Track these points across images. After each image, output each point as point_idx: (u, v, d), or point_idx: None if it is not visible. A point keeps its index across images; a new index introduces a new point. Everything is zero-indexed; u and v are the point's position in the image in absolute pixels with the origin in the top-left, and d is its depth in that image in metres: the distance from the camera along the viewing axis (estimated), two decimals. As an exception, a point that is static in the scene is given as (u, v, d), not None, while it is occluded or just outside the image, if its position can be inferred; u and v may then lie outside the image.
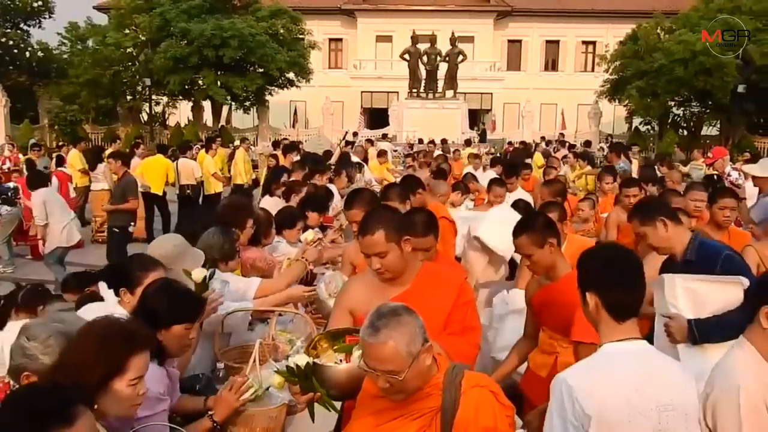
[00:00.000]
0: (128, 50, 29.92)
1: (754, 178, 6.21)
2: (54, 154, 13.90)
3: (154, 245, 3.35)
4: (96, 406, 1.87)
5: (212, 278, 3.10)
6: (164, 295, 2.47)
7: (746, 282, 2.82)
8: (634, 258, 2.17)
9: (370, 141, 17.16)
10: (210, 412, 2.44)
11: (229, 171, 14.32)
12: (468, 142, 21.00)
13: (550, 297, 3.07)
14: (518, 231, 3.12)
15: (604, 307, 2.04)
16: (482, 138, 26.57)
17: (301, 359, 2.29)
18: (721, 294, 2.85)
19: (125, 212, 8.10)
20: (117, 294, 2.85)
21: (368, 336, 1.90)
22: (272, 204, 6.10)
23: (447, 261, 3.48)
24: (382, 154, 12.97)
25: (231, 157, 15.30)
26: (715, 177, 7.33)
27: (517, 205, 5.77)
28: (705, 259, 3.05)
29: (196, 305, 2.56)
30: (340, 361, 2.33)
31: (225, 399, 2.44)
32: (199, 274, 3.04)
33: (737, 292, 2.82)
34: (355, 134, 25.78)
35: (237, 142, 20.54)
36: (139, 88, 30.70)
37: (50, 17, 32.46)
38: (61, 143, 17.21)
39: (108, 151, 13.51)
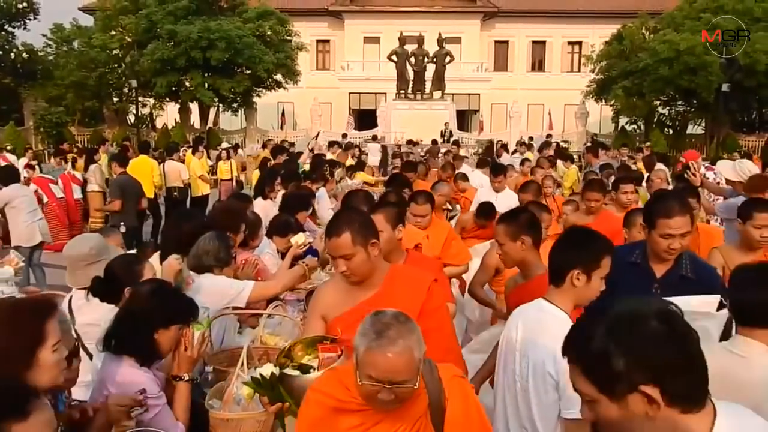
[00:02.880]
0: (114, 52, 29.78)
1: (727, 179, 6.25)
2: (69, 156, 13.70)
3: (70, 245, 3.36)
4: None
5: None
6: (161, 296, 2.52)
7: (717, 298, 2.74)
8: (578, 231, 2.63)
9: (339, 144, 16.84)
10: (177, 376, 2.52)
11: (214, 173, 14.30)
12: (456, 143, 21.05)
13: (522, 296, 3.07)
14: (500, 219, 3.27)
15: None
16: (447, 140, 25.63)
17: (266, 369, 2.26)
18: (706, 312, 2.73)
19: (117, 212, 8.11)
20: (117, 299, 2.86)
21: (382, 347, 1.80)
22: (266, 207, 6.09)
23: (421, 259, 3.44)
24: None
25: (218, 158, 15.28)
26: (685, 175, 7.40)
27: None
28: (705, 278, 2.94)
29: (192, 307, 2.61)
30: (315, 369, 2.30)
31: (183, 356, 2.51)
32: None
33: (714, 305, 2.73)
34: (344, 135, 25.76)
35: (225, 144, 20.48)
36: (126, 90, 30.54)
37: (35, 18, 32.23)
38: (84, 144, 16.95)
39: (102, 153, 13.48)
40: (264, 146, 14.50)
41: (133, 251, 3.83)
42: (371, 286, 2.54)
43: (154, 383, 2.42)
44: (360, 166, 11.74)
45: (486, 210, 5.97)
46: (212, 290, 3.30)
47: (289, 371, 2.29)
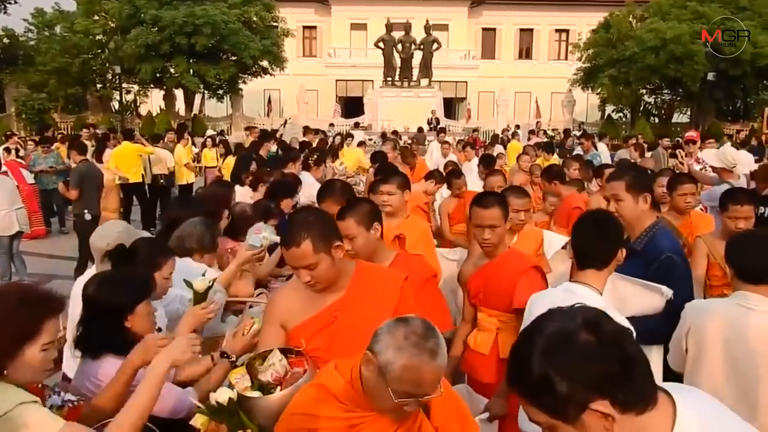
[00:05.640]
0: (97, 37, 29.39)
1: (712, 167, 6.27)
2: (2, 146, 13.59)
3: (98, 233, 3.27)
4: (5, 372, 1.86)
5: (211, 288, 2.99)
6: (114, 284, 2.47)
7: (668, 292, 2.88)
8: (608, 218, 2.72)
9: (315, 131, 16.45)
10: (225, 354, 2.51)
11: (200, 161, 14.17)
12: (443, 130, 20.96)
13: (489, 275, 3.15)
14: (493, 203, 3.21)
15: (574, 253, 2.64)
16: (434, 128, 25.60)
17: (222, 395, 2.02)
18: (643, 299, 2.91)
19: (79, 199, 8.00)
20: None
21: (425, 363, 1.68)
22: (245, 193, 6.02)
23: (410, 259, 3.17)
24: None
25: (203, 146, 15.14)
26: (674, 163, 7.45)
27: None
28: (648, 253, 3.03)
29: (146, 278, 2.59)
30: (279, 387, 2.11)
31: (240, 339, 2.52)
32: (201, 284, 2.94)
33: (659, 300, 2.89)
34: (331, 125, 25.65)
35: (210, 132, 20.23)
36: (109, 77, 30.18)
37: (16, 3, 31.67)
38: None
39: (84, 141, 13.25)
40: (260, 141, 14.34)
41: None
42: (336, 289, 2.31)
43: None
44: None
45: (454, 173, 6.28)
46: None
47: (249, 393, 2.06)
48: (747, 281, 2.57)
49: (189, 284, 2.89)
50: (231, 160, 11.84)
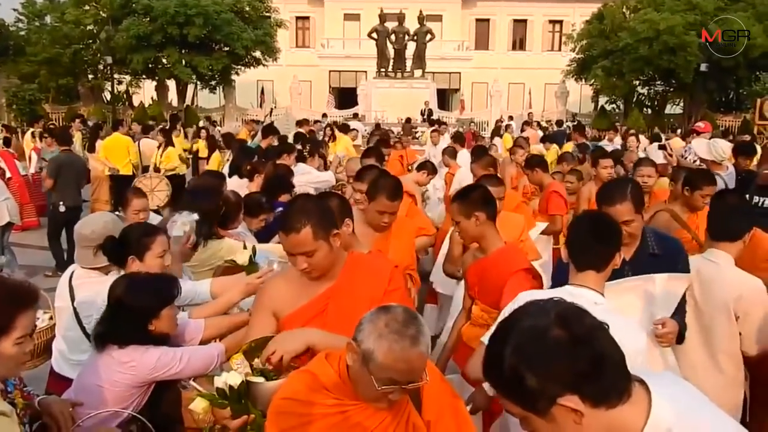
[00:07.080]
0: (89, 27, 29.17)
1: (701, 158, 6.25)
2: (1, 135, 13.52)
3: (84, 221, 3.24)
4: None
5: (255, 255, 3.06)
6: (142, 288, 2.49)
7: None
8: (605, 219, 2.56)
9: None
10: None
11: (191, 153, 14.11)
12: (433, 122, 20.97)
13: (482, 270, 3.13)
14: (454, 198, 3.27)
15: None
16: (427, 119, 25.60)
17: (233, 378, 2.01)
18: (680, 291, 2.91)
19: (55, 190, 7.94)
20: (121, 263, 2.87)
21: (407, 350, 1.69)
22: (240, 185, 5.99)
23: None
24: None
25: (197, 136, 15.07)
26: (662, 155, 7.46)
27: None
28: (669, 253, 3.00)
29: (172, 283, 2.60)
30: (280, 374, 2.09)
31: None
32: (243, 257, 2.97)
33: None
34: (324, 115, 25.58)
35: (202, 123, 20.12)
36: (101, 67, 29.96)
37: (5, -8, 31.37)
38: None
39: (75, 131, 13.16)
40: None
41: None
42: (328, 277, 2.32)
43: (166, 351, 2.47)
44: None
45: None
46: None
47: (253, 378, 2.07)
48: (710, 238, 3.13)
49: (232, 262, 2.98)
50: (218, 155, 11.83)
